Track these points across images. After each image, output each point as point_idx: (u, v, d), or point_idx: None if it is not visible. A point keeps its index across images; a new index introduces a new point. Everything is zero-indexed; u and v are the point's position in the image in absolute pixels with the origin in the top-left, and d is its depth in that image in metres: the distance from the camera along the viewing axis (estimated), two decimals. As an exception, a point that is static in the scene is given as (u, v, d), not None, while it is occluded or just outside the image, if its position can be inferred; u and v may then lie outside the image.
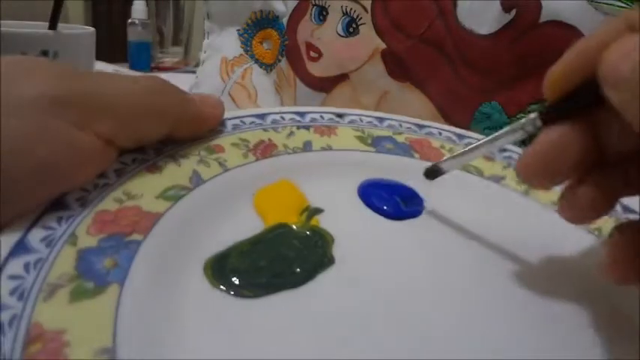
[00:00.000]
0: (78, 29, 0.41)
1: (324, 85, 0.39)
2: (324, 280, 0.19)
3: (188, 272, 0.18)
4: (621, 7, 0.30)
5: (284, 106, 0.44)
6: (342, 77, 0.38)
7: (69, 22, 1.13)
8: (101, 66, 0.73)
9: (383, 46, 0.36)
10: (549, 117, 0.19)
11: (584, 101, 0.17)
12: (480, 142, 0.22)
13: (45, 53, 0.36)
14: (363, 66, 0.37)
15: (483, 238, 0.23)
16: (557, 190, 0.25)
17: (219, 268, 0.18)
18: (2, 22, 0.37)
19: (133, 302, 0.15)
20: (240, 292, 0.18)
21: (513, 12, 0.32)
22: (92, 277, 0.15)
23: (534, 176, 0.19)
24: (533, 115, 0.19)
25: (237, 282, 0.18)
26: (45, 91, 0.17)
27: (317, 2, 0.39)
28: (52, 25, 0.38)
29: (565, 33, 0.31)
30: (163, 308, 0.16)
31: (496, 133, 0.21)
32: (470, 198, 0.25)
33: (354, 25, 0.37)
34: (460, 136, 0.30)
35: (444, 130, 0.30)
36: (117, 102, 0.19)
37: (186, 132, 0.22)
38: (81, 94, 0.18)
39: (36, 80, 0.17)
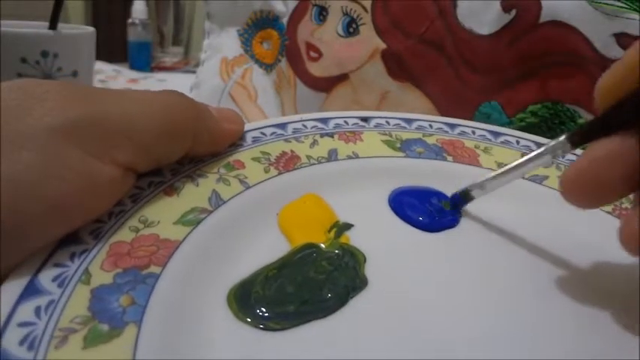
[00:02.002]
0: (78, 29, 0.41)
1: (324, 85, 0.39)
2: (357, 304, 0.17)
3: (210, 305, 0.17)
4: (621, 7, 0.30)
5: (284, 106, 0.44)
6: (342, 77, 0.38)
7: (69, 22, 1.13)
8: (101, 66, 0.73)
9: (383, 46, 0.36)
10: (580, 139, 0.18)
11: (630, 113, 0.17)
12: (504, 169, 0.21)
13: (45, 53, 0.36)
14: (363, 66, 0.37)
15: (530, 245, 0.21)
16: None
17: (244, 299, 0.17)
18: (2, 22, 0.37)
19: (152, 344, 0.14)
20: (266, 324, 0.16)
21: (513, 12, 0.32)
22: (107, 318, 0.14)
23: (580, 194, 0.18)
24: (562, 138, 0.19)
25: (263, 314, 0.17)
26: (59, 119, 0.16)
27: (317, 2, 0.39)
28: (52, 25, 0.38)
29: (565, 33, 0.31)
30: (185, 349, 0.15)
31: (523, 159, 0.20)
32: (511, 201, 0.23)
33: (354, 25, 0.37)
34: (495, 134, 0.28)
35: (477, 128, 0.29)
36: (135, 125, 0.17)
37: (205, 149, 0.21)
38: (97, 119, 0.16)
39: (49, 107, 0.16)
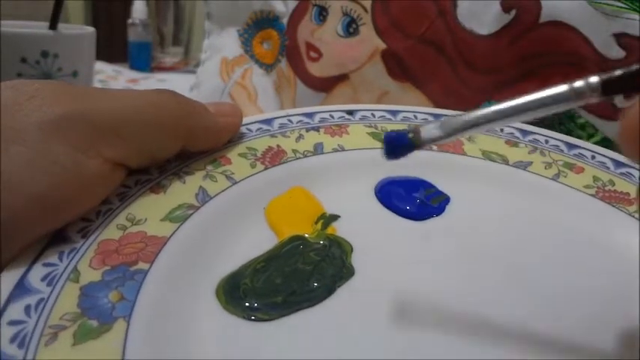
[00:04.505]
0: (78, 29, 0.41)
1: (324, 86, 0.39)
2: (344, 293, 0.18)
3: (199, 299, 0.17)
4: (621, 7, 0.30)
5: (284, 106, 0.44)
6: (342, 77, 0.38)
7: (69, 22, 1.13)
8: (101, 66, 0.73)
9: (383, 46, 0.36)
10: (617, 87, 0.14)
11: None
12: (505, 106, 0.15)
13: (45, 53, 0.36)
14: (363, 66, 0.37)
15: (515, 231, 0.22)
16: (588, 175, 0.25)
17: (232, 291, 0.17)
18: (2, 22, 0.37)
19: (142, 338, 0.14)
20: (255, 315, 0.16)
21: (513, 12, 0.32)
22: (96, 314, 0.14)
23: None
24: (593, 80, 0.14)
25: (251, 305, 0.17)
26: (47, 114, 0.16)
27: (317, 2, 0.39)
28: (52, 25, 0.38)
29: (565, 33, 0.31)
30: (174, 341, 0.15)
31: (530, 98, 0.15)
32: (496, 188, 0.24)
33: (354, 26, 0.37)
34: None
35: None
36: (124, 122, 0.18)
37: (202, 144, 0.21)
38: (85, 115, 0.17)
39: (38, 103, 0.16)
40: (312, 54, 0.39)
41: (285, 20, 0.42)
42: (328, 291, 0.18)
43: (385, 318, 0.17)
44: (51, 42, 0.37)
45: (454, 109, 0.36)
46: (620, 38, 0.30)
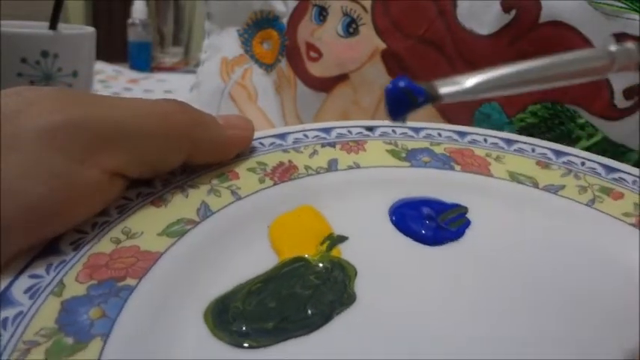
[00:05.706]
0: (78, 29, 0.41)
1: (324, 86, 0.39)
2: (341, 322, 0.16)
3: (186, 321, 0.16)
4: (621, 7, 0.30)
5: (284, 106, 0.44)
6: (342, 77, 0.38)
7: (69, 22, 1.13)
8: (101, 66, 0.73)
9: (383, 46, 0.36)
10: None
11: None
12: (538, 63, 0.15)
13: (45, 53, 0.36)
14: (363, 66, 0.37)
15: (540, 262, 0.20)
16: (628, 201, 0.22)
17: (221, 314, 0.16)
18: (2, 22, 0.37)
19: (117, 359, 0.13)
20: (242, 341, 0.15)
21: (513, 12, 0.32)
22: (74, 331, 0.14)
23: None
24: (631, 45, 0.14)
25: (240, 330, 0.16)
26: (45, 122, 0.15)
27: (317, 2, 0.39)
28: (52, 25, 0.38)
29: (565, 33, 0.31)
30: None
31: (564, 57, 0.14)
32: (523, 213, 0.22)
33: (354, 26, 0.37)
34: (509, 142, 0.26)
35: (489, 136, 0.27)
36: (124, 131, 0.17)
37: (207, 157, 0.21)
38: (84, 123, 0.16)
39: (37, 110, 0.16)
40: (312, 54, 0.39)
41: (285, 20, 0.42)
42: (325, 318, 0.16)
43: (383, 351, 0.16)
44: (51, 42, 0.37)
45: (454, 110, 0.36)
46: (620, 38, 0.30)
